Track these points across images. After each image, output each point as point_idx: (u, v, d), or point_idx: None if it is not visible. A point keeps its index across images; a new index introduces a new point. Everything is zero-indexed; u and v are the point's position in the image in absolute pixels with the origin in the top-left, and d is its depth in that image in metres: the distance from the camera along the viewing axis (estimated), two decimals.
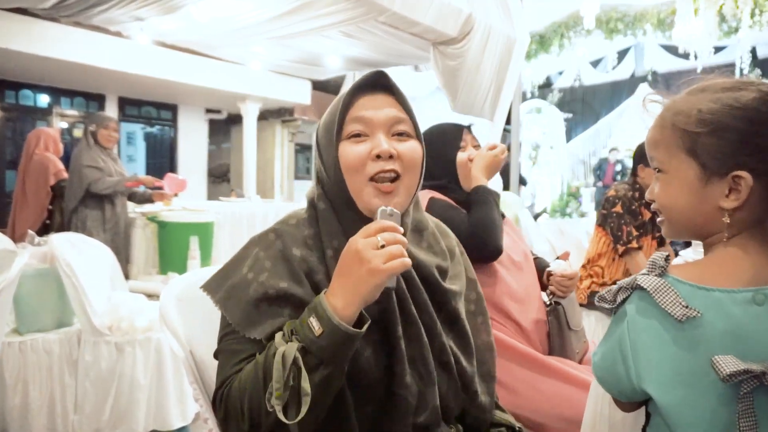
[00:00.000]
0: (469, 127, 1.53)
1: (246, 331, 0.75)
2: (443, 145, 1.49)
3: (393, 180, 0.80)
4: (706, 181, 0.68)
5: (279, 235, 0.82)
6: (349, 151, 0.80)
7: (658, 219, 0.76)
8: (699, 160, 0.68)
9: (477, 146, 1.51)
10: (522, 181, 7.83)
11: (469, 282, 0.97)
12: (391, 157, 0.79)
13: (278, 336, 0.71)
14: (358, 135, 0.81)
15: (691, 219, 0.71)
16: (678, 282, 0.66)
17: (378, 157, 0.79)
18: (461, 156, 1.48)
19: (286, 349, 0.68)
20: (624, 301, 0.70)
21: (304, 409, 0.66)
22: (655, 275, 0.68)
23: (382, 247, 0.69)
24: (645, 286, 0.67)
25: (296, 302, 0.76)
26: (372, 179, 0.79)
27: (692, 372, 0.63)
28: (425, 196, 1.45)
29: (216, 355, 0.81)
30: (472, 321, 0.95)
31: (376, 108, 0.81)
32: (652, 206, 0.76)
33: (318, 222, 0.83)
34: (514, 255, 1.43)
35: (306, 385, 0.67)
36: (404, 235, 0.73)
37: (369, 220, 0.79)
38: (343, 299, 0.69)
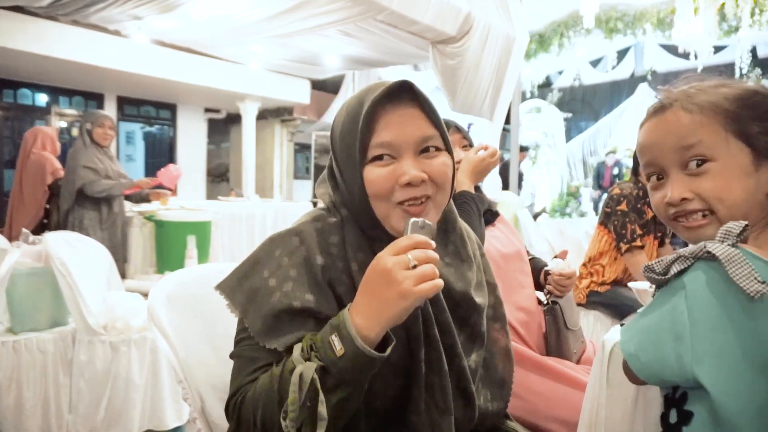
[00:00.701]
0: (457, 126, 1.46)
1: (265, 341, 0.71)
2: None
3: (423, 202, 0.75)
4: (757, 166, 0.64)
5: (303, 240, 0.76)
6: (376, 177, 0.74)
7: (696, 223, 0.67)
8: (750, 144, 0.64)
9: (467, 146, 1.46)
10: (519, 178, 7.80)
11: (488, 286, 0.92)
12: (422, 181, 0.74)
13: (296, 350, 0.67)
14: (382, 157, 0.74)
15: (746, 209, 0.65)
16: (753, 256, 0.59)
17: (408, 184, 0.73)
18: None
19: (304, 369, 0.64)
20: (680, 273, 0.62)
21: None
22: (728, 245, 0.60)
23: (414, 266, 0.64)
24: (718, 254, 0.59)
25: (320, 317, 0.72)
26: (400, 203, 0.75)
27: (758, 358, 0.57)
28: None
29: (232, 357, 0.77)
30: (490, 327, 0.91)
31: (401, 126, 0.74)
32: (685, 207, 0.67)
33: (343, 230, 0.78)
34: (505, 249, 1.41)
35: (323, 409, 0.63)
36: (435, 249, 0.68)
37: (395, 237, 0.74)
38: (367, 320, 0.65)
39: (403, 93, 0.75)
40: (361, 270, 0.73)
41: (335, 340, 0.65)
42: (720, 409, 0.59)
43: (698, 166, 0.66)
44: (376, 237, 0.78)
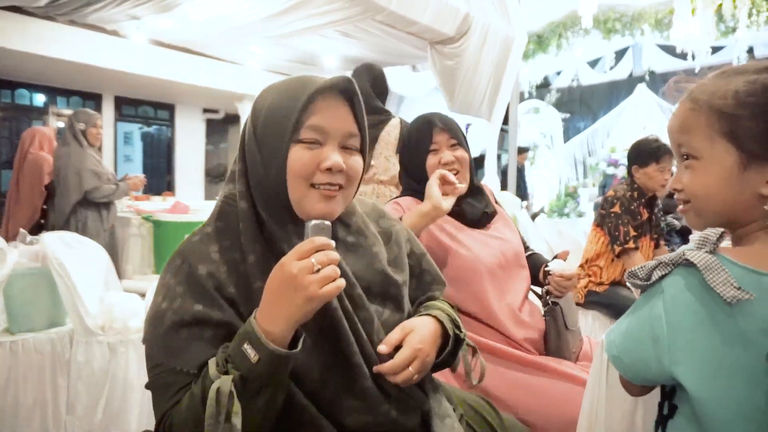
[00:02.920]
0: (442, 126, 1.36)
1: (171, 361, 0.74)
2: (415, 147, 1.38)
3: (337, 189, 0.80)
4: (745, 166, 0.64)
5: (184, 257, 0.80)
6: (301, 157, 0.78)
7: (681, 209, 0.72)
8: (738, 145, 0.64)
9: (455, 145, 1.38)
10: (523, 196, 7.79)
11: (411, 257, 0.96)
12: (340, 171, 0.79)
13: (212, 365, 0.70)
14: (311, 142, 0.78)
15: (727, 208, 0.66)
16: (730, 262, 0.62)
17: (329, 169, 0.78)
18: (431, 160, 1.36)
19: (221, 384, 0.67)
20: (661, 278, 0.65)
21: None
22: (706, 251, 0.63)
23: (317, 270, 0.68)
24: (695, 262, 0.62)
25: (213, 323, 0.75)
26: (314, 186, 0.79)
27: (735, 361, 0.59)
28: (408, 203, 1.39)
29: (147, 388, 0.79)
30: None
31: (334, 117, 0.79)
32: (676, 196, 0.72)
33: (227, 233, 0.81)
34: (502, 257, 1.38)
35: (237, 421, 0.66)
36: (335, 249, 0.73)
37: (299, 222, 0.79)
38: (275, 324, 0.69)
39: (341, 89, 0.81)
40: (258, 262, 0.77)
41: (248, 348, 0.68)
42: (699, 406, 0.61)
43: (685, 160, 0.70)
44: (280, 219, 0.80)
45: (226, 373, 0.69)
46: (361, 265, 0.85)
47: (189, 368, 0.73)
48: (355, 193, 0.86)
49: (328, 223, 0.74)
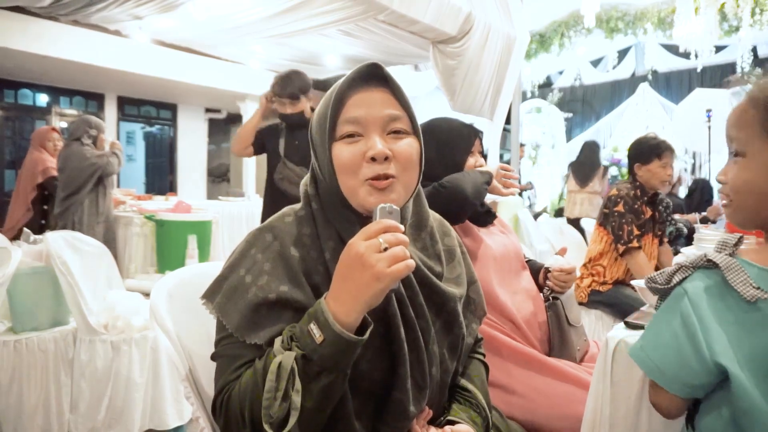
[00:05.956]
0: (480, 135, 1.48)
1: (245, 336, 0.73)
2: (453, 146, 1.43)
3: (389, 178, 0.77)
4: None
5: (276, 235, 0.79)
6: (343, 152, 0.77)
7: (723, 203, 0.74)
8: None
9: (481, 153, 1.48)
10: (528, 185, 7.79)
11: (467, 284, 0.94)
12: (386, 158, 0.76)
13: (277, 342, 0.69)
14: (351, 135, 0.77)
15: (760, 206, 0.69)
16: (747, 264, 0.66)
17: (372, 159, 0.75)
18: (470, 162, 1.43)
19: (283, 358, 0.66)
20: (681, 282, 0.69)
21: (291, 422, 0.65)
22: (726, 254, 0.68)
23: (385, 249, 0.66)
24: (718, 262, 0.66)
25: (296, 306, 0.74)
26: (365, 181, 0.76)
27: (753, 353, 0.63)
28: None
29: (213, 358, 0.79)
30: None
31: (370, 105, 0.77)
32: (719, 189, 0.75)
33: (315, 221, 0.81)
34: (502, 248, 1.40)
35: (296, 398, 0.65)
36: (404, 232, 0.70)
37: (365, 218, 0.77)
38: (344, 305, 0.67)
39: (374, 77, 0.79)
40: (333, 258, 0.76)
41: (314, 328, 0.67)
42: (737, 398, 0.63)
43: (735, 155, 0.72)
44: (346, 218, 0.79)
45: (290, 350, 0.67)
46: (424, 275, 0.83)
47: (261, 343, 0.72)
48: (419, 178, 0.82)
49: (396, 207, 0.71)
